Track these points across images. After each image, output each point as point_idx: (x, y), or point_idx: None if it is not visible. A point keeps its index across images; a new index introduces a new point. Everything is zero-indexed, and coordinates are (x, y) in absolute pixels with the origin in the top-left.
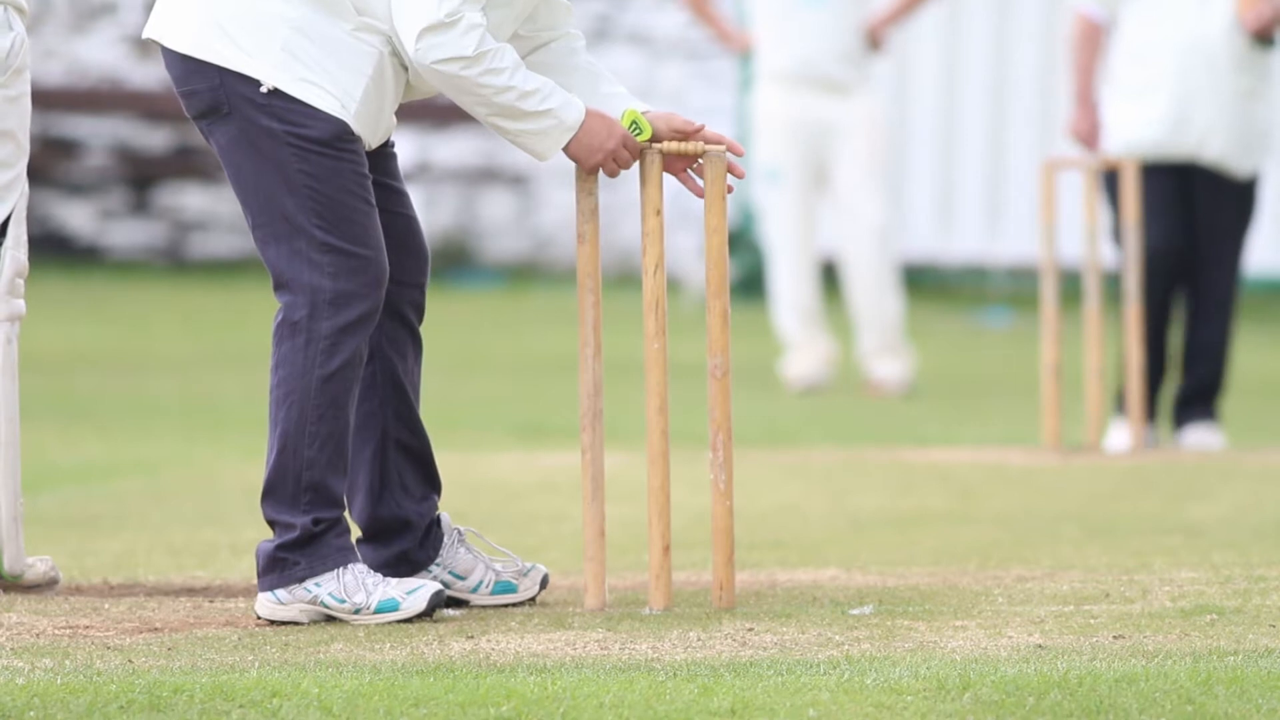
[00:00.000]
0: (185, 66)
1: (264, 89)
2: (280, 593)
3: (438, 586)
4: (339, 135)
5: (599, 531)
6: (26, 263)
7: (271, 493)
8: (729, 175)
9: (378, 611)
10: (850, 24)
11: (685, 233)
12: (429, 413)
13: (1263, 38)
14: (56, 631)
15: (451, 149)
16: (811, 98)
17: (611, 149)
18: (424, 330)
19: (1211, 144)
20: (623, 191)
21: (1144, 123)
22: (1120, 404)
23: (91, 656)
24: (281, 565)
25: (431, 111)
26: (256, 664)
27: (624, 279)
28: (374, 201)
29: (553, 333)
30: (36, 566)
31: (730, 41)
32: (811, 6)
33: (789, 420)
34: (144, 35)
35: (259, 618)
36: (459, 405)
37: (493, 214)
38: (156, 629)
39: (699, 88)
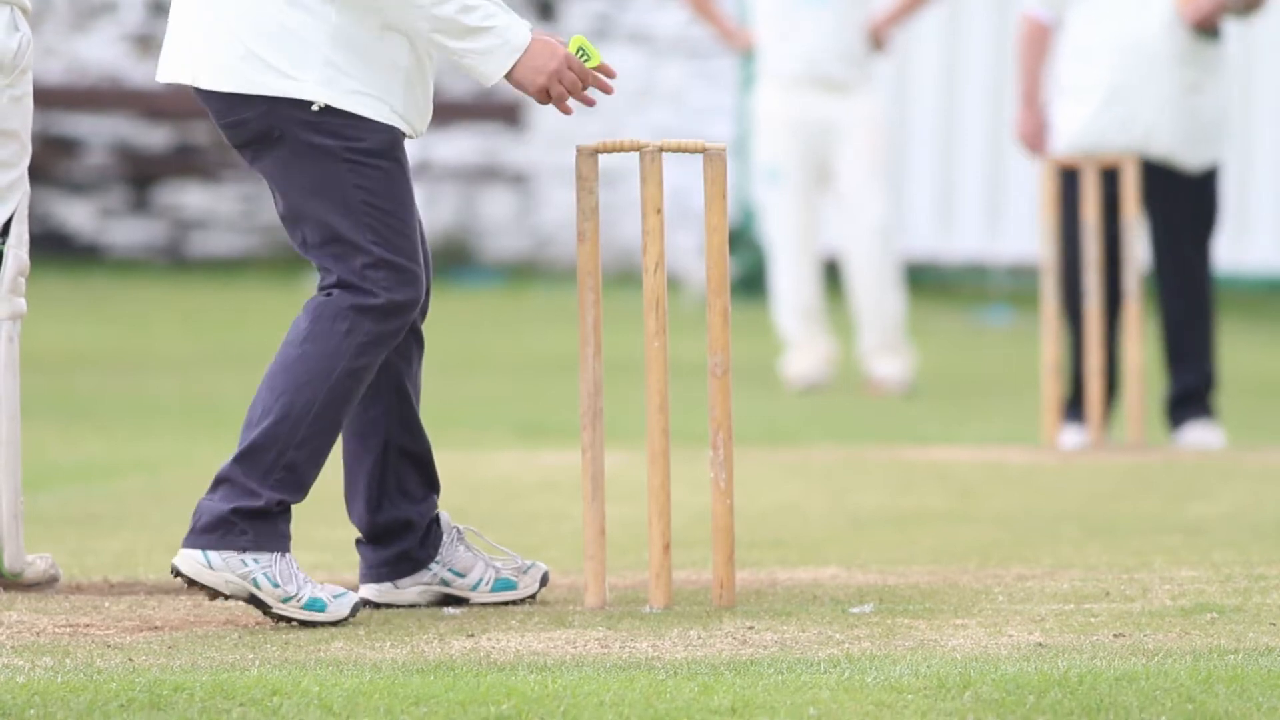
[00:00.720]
0: (227, 100)
1: (315, 108)
2: (213, 555)
3: (359, 596)
4: (393, 144)
5: (599, 530)
6: (28, 261)
7: (251, 455)
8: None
9: (305, 608)
10: (852, 23)
11: (685, 231)
12: (429, 412)
13: (1205, 29)
14: (57, 630)
15: (451, 148)
16: (813, 97)
17: (554, 69)
18: (424, 330)
19: (1158, 139)
20: (623, 190)
21: (1089, 120)
22: (1069, 409)
23: (92, 655)
24: (227, 528)
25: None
26: (257, 662)
27: (624, 278)
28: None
29: (553, 332)
30: (36, 564)
31: (732, 40)
32: (813, 5)
33: (789, 419)
34: (168, 80)
35: (176, 573)
36: (459, 405)
37: (493, 213)
38: (157, 627)
39: (699, 87)
